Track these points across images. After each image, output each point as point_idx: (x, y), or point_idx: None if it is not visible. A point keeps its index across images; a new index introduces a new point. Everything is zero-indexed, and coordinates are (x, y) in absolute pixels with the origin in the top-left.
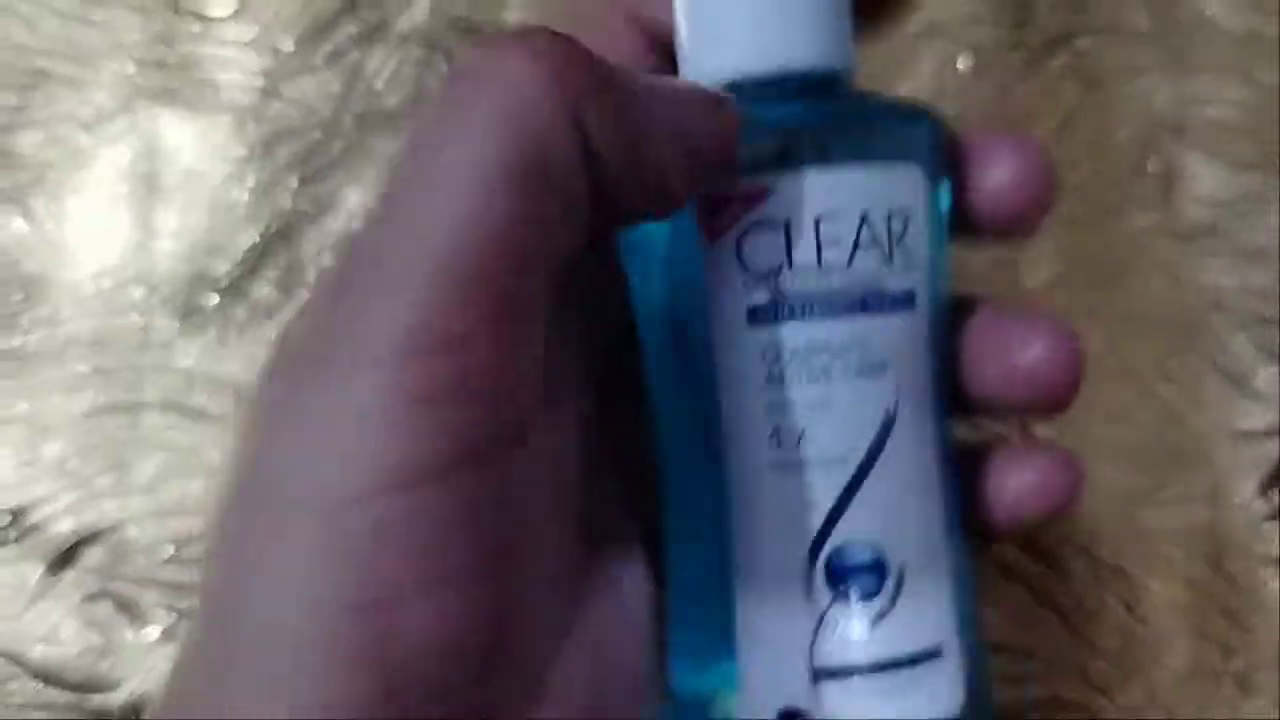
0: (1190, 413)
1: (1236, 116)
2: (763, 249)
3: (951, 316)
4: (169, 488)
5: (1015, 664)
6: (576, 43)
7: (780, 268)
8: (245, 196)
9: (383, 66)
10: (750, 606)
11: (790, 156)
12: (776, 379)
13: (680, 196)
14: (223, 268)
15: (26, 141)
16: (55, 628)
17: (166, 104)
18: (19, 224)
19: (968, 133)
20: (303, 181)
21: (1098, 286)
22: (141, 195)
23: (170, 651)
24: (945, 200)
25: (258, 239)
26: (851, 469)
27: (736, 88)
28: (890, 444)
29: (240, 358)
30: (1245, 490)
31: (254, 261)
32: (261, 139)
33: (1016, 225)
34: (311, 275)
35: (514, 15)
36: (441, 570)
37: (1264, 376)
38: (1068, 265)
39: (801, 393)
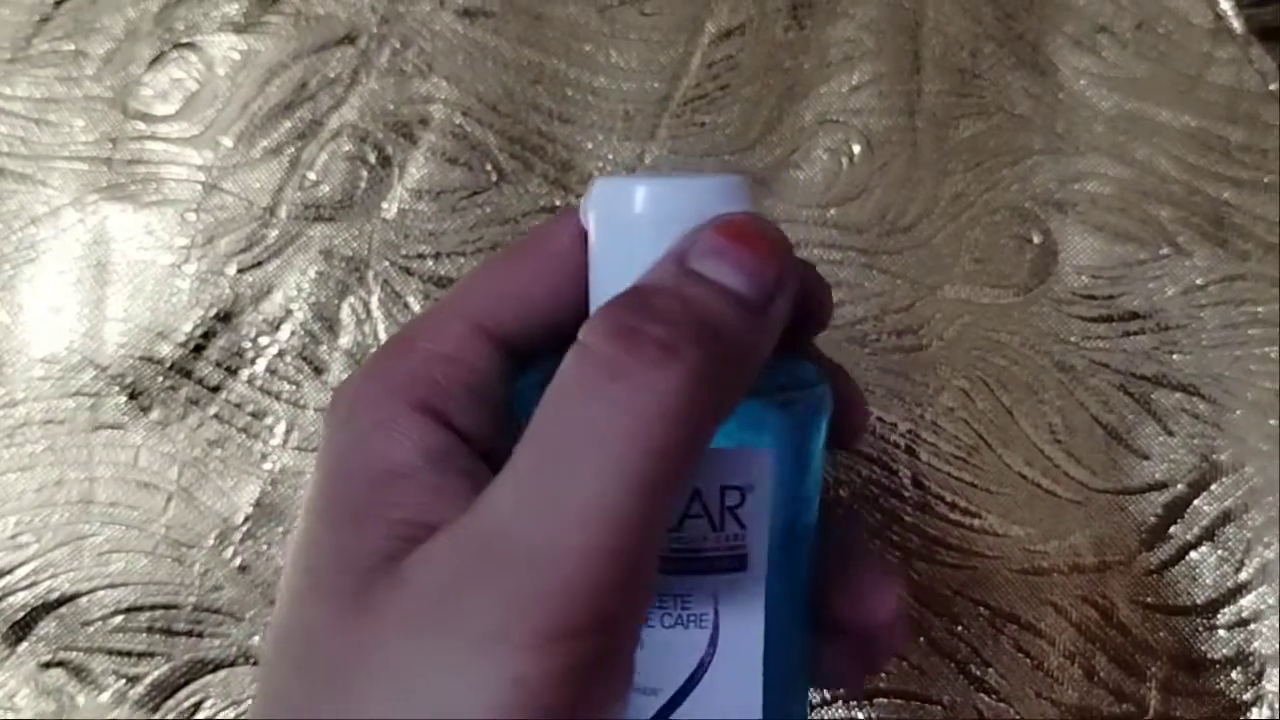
0: (1076, 469)
1: (1113, 192)
2: None
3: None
4: (118, 559)
5: (916, 712)
6: None
7: None
8: (187, 283)
9: (316, 159)
10: None
11: None
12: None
13: None
14: (167, 349)
15: None
16: (11, 695)
17: (114, 198)
18: None
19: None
20: (241, 269)
21: (989, 349)
22: (90, 284)
23: (122, 713)
24: (814, 462)
25: (199, 322)
26: (660, 701)
27: None
28: (703, 684)
29: (185, 433)
30: (1131, 543)
31: (196, 343)
32: (203, 229)
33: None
34: (250, 356)
35: (439, 110)
36: None
37: (1145, 434)
38: (960, 330)
39: None
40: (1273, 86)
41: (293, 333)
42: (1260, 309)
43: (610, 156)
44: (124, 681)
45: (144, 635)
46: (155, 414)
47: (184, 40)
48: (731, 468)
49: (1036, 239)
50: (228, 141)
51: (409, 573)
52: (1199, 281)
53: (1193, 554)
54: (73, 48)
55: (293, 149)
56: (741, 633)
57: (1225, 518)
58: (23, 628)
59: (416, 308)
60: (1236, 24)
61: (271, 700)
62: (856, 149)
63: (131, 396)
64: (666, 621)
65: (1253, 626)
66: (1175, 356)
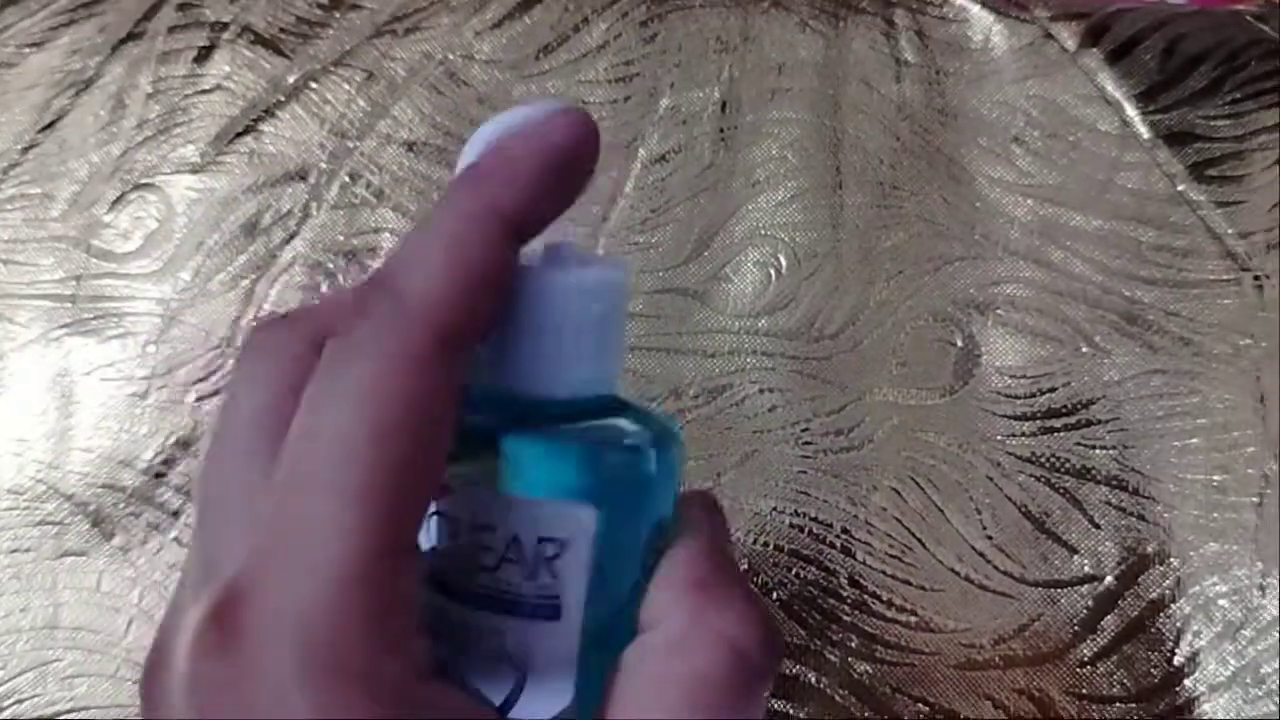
0: (1007, 564)
1: (1031, 294)
2: (436, 533)
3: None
4: (81, 683)
5: None
6: None
7: (442, 553)
8: (148, 412)
9: (271, 289)
10: None
11: (473, 469)
12: (426, 635)
13: None
14: (129, 477)
15: None
16: None
17: (78, 333)
18: None
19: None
20: (200, 396)
21: (918, 449)
22: (55, 416)
23: None
24: (644, 531)
25: (160, 450)
26: None
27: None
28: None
29: (146, 557)
30: (1064, 636)
31: (157, 470)
32: (163, 360)
33: None
34: None
35: (388, 240)
36: None
37: (1072, 527)
38: (890, 431)
39: (437, 657)
40: (1180, 188)
41: None
42: (1176, 403)
43: None
44: None
45: None
46: (118, 540)
47: (144, 181)
48: (550, 521)
49: (959, 342)
50: (186, 276)
51: None
52: (1116, 378)
53: (1125, 646)
54: (39, 191)
55: (248, 281)
56: (550, 677)
57: (1154, 608)
58: None
59: None
60: (1143, 129)
61: None
62: (784, 261)
63: (95, 524)
64: (473, 657)
65: (1186, 716)
66: (1097, 451)
